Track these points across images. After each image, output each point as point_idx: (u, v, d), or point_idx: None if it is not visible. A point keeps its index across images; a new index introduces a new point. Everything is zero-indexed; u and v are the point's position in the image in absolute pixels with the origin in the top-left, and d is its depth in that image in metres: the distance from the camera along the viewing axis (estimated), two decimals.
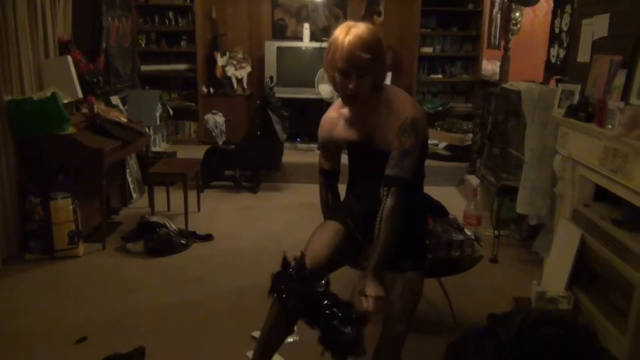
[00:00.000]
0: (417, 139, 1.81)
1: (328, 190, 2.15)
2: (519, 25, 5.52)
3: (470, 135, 5.82)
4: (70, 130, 3.89)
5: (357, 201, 2.06)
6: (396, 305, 1.91)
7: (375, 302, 1.79)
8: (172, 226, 4.18)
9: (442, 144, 6.27)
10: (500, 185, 4.21)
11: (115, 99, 5.34)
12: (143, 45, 6.80)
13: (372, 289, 1.79)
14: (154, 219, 4.23)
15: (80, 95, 4.38)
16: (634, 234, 2.66)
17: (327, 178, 2.13)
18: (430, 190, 3.32)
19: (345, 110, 1.95)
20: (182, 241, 4.08)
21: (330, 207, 2.17)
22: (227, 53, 6.86)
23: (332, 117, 2.00)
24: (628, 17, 3.03)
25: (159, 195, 4.79)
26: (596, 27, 3.38)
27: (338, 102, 2.01)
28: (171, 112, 6.27)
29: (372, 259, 1.83)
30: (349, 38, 1.70)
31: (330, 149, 2.05)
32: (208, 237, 4.28)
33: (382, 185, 1.82)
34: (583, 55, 3.57)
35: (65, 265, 3.75)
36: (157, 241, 3.97)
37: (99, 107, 4.40)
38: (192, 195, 4.68)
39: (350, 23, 1.80)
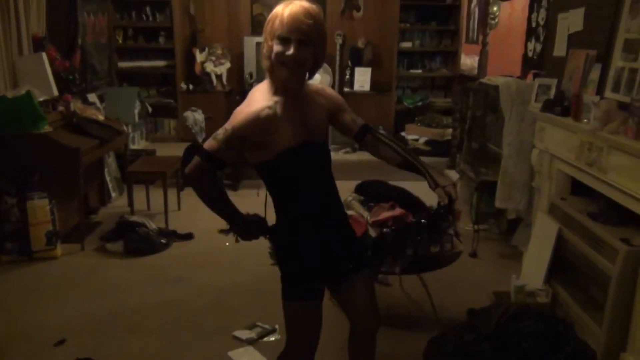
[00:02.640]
0: None
1: (217, 179, 1.80)
2: (496, 20, 5.56)
3: (450, 130, 5.86)
4: (46, 129, 3.83)
5: (318, 224, 1.80)
6: (364, 305, 1.93)
7: (454, 187, 1.80)
8: (152, 225, 4.14)
9: (422, 139, 6.30)
10: (479, 180, 4.24)
11: (92, 97, 5.26)
12: (120, 41, 6.71)
13: (444, 180, 1.81)
14: (134, 218, 4.19)
15: (55, 93, 4.31)
16: (609, 227, 2.70)
17: (216, 169, 1.75)
18: (409, 185, 3.35)
19: (280, 103, 1.70)
20: (162, 240, 4.04)
21: (296, 268, 1.84)
22: (206, 49, 6.80)
23: (267, 113, 1.67)
24: (602, 11, 3.06)
25: (139, 194, 4.74)
26: (572, 21, 3.42)
27: (262, 89, 1.74)
28: (150, 109, 6.22)
29: (419, 164, 1.84)
30: (290, 7, 1.65)
31: (248, 144, 1.71)
32: (189, 236, 4.25)
33: (363, 133, 1.86)
34: (559, 49, 3.61)
35: (43, 267, 3.70)
36: (136, 241, 3.93)
37: (76, 105, 4.34)
38: (172, 193, 4.64)
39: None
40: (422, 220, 2.75)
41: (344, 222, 1.94)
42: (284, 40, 1.63)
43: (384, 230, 2.76)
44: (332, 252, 1.85)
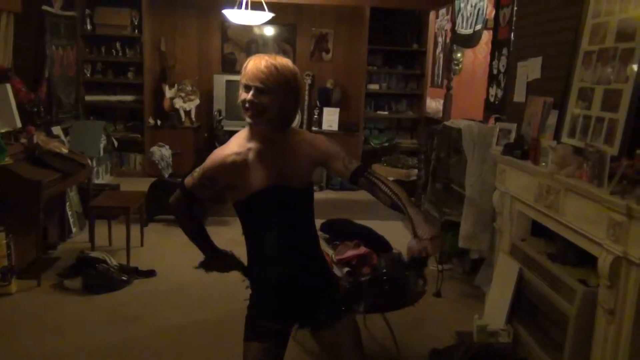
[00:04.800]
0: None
1: (194, 212, 1.96)
2: (460, 66, 5.77)
3: (415, 170, 5.96)
4: (7, 161, 3.75)
5: (280, 267, 1.84)
6: (350, 356, 1.89)
7: (435, 241, 1.73)
8: (113, 261, 4.04)
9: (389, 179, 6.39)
10: (443, 220, 4.30)
11: (57, 129, 5.19)
12: (88, 75, 6.68)
13: (425, 231, 1.73)
14: (94, 254, 4.09)
15: (18, 124, 4.25)
16: (567, 268, 2.77)
17: (193, 201, 1.92)
18: (375, 224, 3.38)
19: (253, 149, 1.79)
20: (122, 277, 3.94)
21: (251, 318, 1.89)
22: (176, 85, 6.82)
23: (233, 159, 1.78)
24: (558, 61, 3.21)
25: (101, 229, 4.63)
26: (530, 69, 3.57)
27: (240, 135, 1.84)
28: (116, 143, 6.16)
29: (408, 208, 1.76)
30: (255, 59, 1.76)
31: (219, 185, 1.83)
32: (150, 273, 4.16)
33: (355, 177, 1.82)
34: (519, 95, 3.76)
35: None
36: (95, 277, 3.83)
37: (39, 137, 4.26)
38: (135, 229, 4.56)
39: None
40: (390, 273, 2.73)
41: (316, 268, 1.93)
42: (246, 88, 1.74)
43: (361, 279, 2.74)
44: (295, 297, 1.86)
